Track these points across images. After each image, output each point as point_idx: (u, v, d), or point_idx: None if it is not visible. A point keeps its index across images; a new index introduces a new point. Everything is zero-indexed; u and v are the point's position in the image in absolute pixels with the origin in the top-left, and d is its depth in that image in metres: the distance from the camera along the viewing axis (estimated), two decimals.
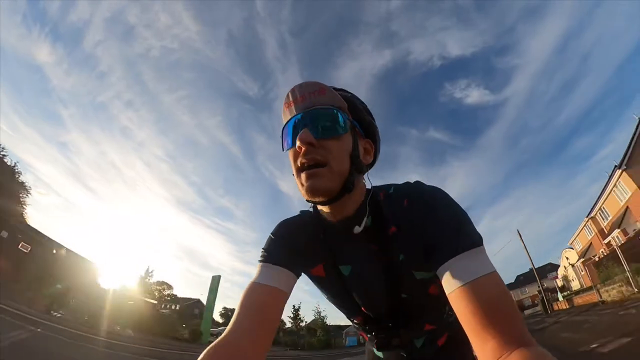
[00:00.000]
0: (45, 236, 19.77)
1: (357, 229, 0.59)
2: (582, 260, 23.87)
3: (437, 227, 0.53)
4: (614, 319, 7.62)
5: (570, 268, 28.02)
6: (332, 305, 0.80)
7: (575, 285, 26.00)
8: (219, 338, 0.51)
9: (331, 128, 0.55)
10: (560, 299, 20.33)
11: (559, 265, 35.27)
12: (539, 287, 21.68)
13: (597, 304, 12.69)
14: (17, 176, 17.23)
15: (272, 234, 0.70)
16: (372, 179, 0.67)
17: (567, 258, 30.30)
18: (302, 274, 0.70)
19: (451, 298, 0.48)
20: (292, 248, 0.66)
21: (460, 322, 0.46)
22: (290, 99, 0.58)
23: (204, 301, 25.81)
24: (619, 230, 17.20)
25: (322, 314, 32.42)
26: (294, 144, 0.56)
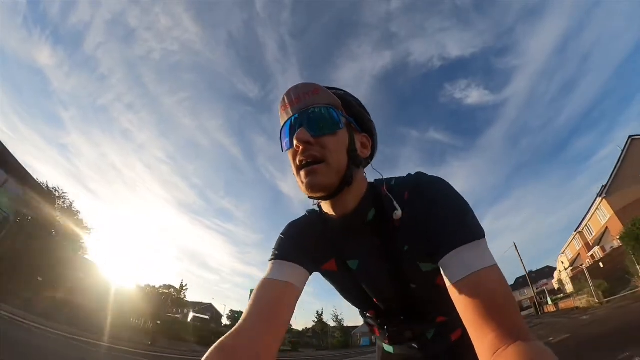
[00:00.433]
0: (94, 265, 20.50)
1: (370, 215, 0.62)
2: (570, 268, 27.34)
3: (439, 219, 0.54)
4: (573, 322, 10.32)
5: (564, 272, 31.48)
6: (346, 301, 0.80)
7: (569, 288, 29.47)
8: (229, 332, 0.51)
9: (327, 125, 0.57)
10: (550, 302, 23.90)
11: (555, 268, 38.69)
12: (535, 290, 25.22)
13: (574, 309, 16.23)
14: (76, 217, 17.41)
15: (281, 234, 0.71)
16: (371, 176, 0.68)
17: (562, 263, 33.76)
18: (315, 272, 0.71)
19: (451, 290, 0.48)
20: (302, 246, 0.67)
21: (460, 313, 0.47)
22: (286, 101, 0.60)
23: (216, 306, 27.72)
24: (598, 247, 20.71)
25: (339, 317, 36.34)
26: (292, 144, 0.57)
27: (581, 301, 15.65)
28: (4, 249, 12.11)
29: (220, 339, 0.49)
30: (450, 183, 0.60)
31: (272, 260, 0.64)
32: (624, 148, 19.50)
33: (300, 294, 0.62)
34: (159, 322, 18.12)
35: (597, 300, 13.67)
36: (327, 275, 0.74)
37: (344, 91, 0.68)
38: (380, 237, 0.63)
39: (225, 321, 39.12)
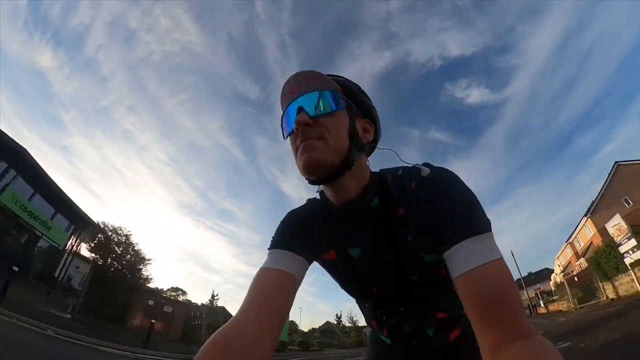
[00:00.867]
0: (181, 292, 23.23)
1: (374, 202, 0.61)
2: (562, 274, 30.98)
3: (446, 210, 0.52)
4: (552, 322, 12.62)
5: (558, 277, 35.11)
6: (344, 291, 0.78)
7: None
8: (228, 322, 0.49)
9: (325, 106, 0.57)
10: (542, 305, 27.61)
11: (553, 271, 42.22)
12: (531, 292, 28.92)
13: (558, 312, 19.87)
14: (137, 252, 18.29)
15: (281, 222, 0.70)
16: (376, 165, 0.67)
17: (559, 266, 37.33)
18: (314, 261, 0.69)
19: (456, 283, 0.47)
20: (301, 234, 0.65)
21: (464, 307, 0.46)
22: (286, 89, 0.60)
23: (228, 308, 29.88)
24: (583, 258, 24.30)
25: (354, 319, 40.28)
26: (292, 129, 0.57)
27: (563, 305, 19.32)
28: (95, 296, 13.92)
29: (219, 329, 0.48)
30: (457, 174, 0.59)
31: (271, 250, 0.63)
32: (610, 172, 22.95)
33: (299, 285, 0.60)
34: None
35: (573, 306, 17.35)
36: (326, 264, 0.73)
37: (344, 77, 0.67)
38: (384, 226, 0.62)
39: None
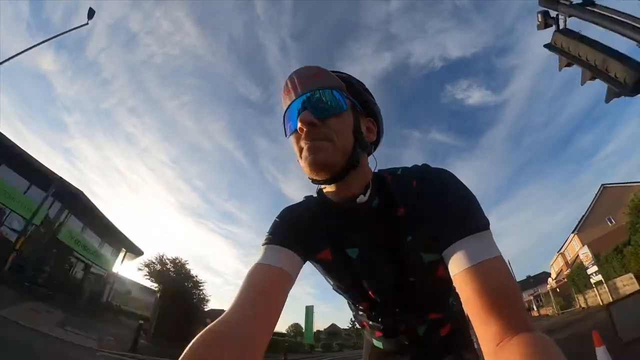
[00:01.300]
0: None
1: (362, 198, 0.59)
2: (555, 280, 35.04)
3: (446, 209, 0.53)
4: (539, 324, 15.46)
5: (553, 282, 39.07)
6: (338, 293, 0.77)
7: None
8: (219, 318, 0.47)
9: (331, 107, 0.56)
10: (535, 309, 31.82)
11: (550, 274, 46.10)
12: (529, 296, 33.04)
13: (546, 316, 24.00)
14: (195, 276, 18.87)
15: (276, 217, 0.69)
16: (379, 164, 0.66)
17: (554, 272, 41.21)
18: (308, 260, 0.68)
19: (456, 280, 0.48)
20: (297, 231, 0.65)
21: (464, 304, 0.47)
22: (289, 85, 0.59)
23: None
24: (569, 270, 28.38)
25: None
26: (295, 127, 0.56)
27: (549, 310, 23.51)
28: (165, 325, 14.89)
29: (208, 325, 0.46)
30: (456, 175, 0.59)
31: (266, 245, 0.62)
32: (596, 194, 26.77)
33: (293, 283, 0.59)
34: None
35: (556, 312, 21.58)
36: (320, 264, 0.71)
37: (348, 74, 0.66)
38: (384, 226, 0.62)
39: None
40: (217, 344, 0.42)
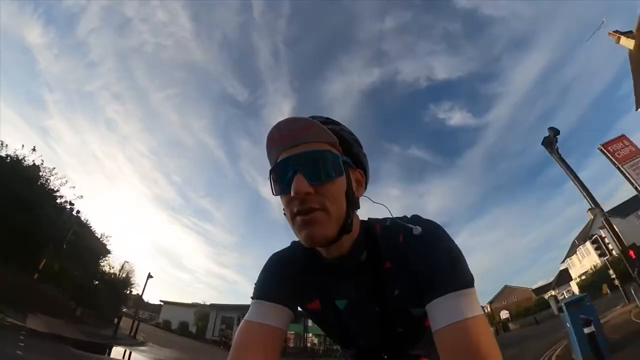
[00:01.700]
0: None
1: (359, 257, 0.61)
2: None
3: (431, 265, 0.54)
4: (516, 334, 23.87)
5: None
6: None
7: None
8: None
9: (327, 173, 0.54)
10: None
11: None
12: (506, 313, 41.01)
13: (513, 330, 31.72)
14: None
15: (264, 268, 0.70)
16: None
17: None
18: (298, 308, 0.70)
19: (436, 335, 0.49)
20: (286, 283, 0.65)
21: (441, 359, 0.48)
22: (276, 135, 0.55)
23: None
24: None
25: None
26: (287, 190, 0.54)
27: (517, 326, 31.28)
28: None
29: None
30: (445, 228, 0.60)
31: (255, 300, 0.63)
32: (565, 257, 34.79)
33: (285, 334, 0.62)
34: None
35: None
36: (310, 313, 0.73)
37: (340, 126, 0.64)
38: (371, 279, 0.63)
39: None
40: None
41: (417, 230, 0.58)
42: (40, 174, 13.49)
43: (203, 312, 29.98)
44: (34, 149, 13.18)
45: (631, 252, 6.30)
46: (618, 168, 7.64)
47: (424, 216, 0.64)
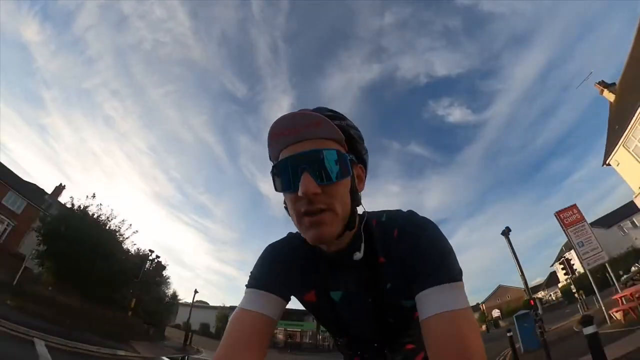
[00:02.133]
0: None
1: (358, 255, 0.61)
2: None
3: (423, 259, 0.56)
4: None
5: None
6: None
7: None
8: None
9: (335, 174, 0.54)
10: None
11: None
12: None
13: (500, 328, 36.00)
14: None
15: (260, 258, 0.71)
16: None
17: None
18: (292, 297, 0.71)
19: (423, 324, 0.51)
20: (281, 273, 0.66)
21: (427, 350, 0.50)
22: (280, 129, 0.54)
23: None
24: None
25: None
26: (293, 188, 0.53)
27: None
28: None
29: None
30: (439, 226, 0.61)
31: (249, 289, 0.64)
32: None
33: (276, 324, 0.63)
34: None
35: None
36: (305, 303, 0.75)
37: (346, 121, 0.64)
38: (366, 272, 0.65)
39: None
40: None
41: (411, 226, 0.62)
42: (102, 217, 16.06)
43: (222, 313, 32.67)
44: (93, 196, 15.88)
45: (531, 302, 8.11)
46: (564, 231, 9.56)
47: (423, 213, 0.66)
